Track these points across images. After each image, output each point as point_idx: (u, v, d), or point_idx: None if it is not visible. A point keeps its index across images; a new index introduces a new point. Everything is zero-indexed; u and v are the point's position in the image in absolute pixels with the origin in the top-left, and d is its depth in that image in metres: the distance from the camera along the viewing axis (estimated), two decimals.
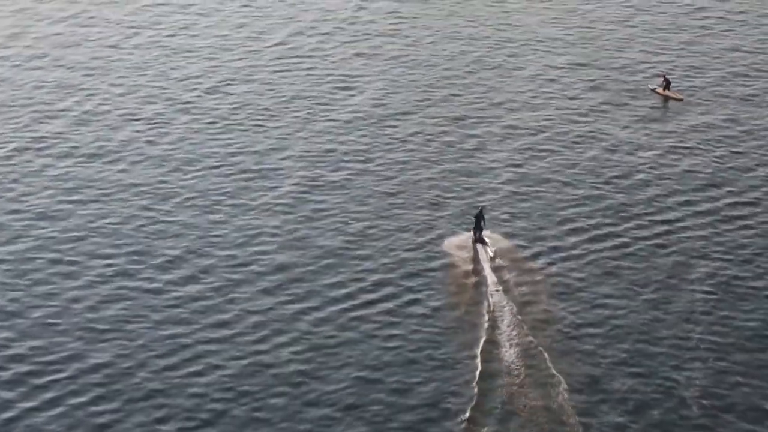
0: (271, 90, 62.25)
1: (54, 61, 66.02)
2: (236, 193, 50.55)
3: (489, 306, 41.87)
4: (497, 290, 42.87)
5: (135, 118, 58.47)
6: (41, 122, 57.78)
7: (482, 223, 46.15)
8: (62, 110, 59.28)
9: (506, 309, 41.63)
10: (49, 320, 40.85)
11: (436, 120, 58.67)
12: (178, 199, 49.84)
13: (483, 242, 46.20)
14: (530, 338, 39.84)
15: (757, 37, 72.02)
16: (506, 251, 46.04)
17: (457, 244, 46.52)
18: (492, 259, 45.28)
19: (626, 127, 58.23)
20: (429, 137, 56.59)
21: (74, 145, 55.14)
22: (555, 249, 46.11)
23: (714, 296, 42.93)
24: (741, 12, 76.60)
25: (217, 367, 38.36)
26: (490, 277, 43.91)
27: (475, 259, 45.47)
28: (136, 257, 45.07)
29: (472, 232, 46.44)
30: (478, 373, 37.92)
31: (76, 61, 66.06)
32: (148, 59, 66.67)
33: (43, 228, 47.27)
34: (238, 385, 37.47)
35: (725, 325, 41.14)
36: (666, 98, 61.95)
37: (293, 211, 48.96)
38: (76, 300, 42.09)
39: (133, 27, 72.09)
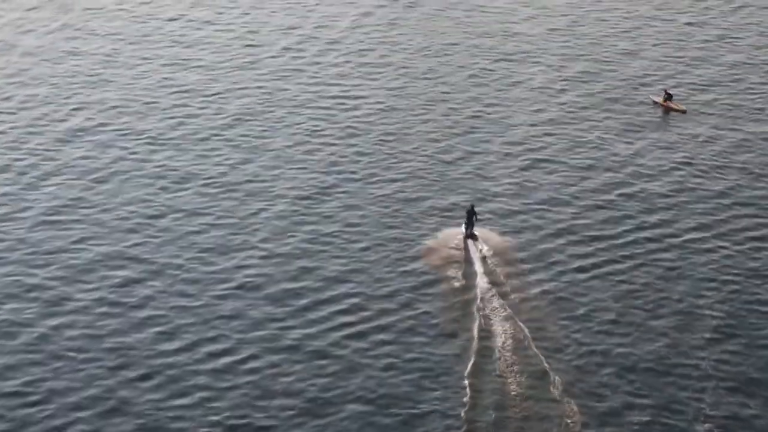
0: (264, 104, 60.73)
1: (40, 75, 64.24)
2: (228, 211, 48.93)
3: (480, 321, 40.63)
4: (489, 295, 42.18)
5: (124, 134, 56.63)
6: (25, 139, 55.87)
7: (474, 219, 46.11)
8: (47, 126, 57.41)
9: (498, 316, 40.70)
10: (29, 348, 39.12)
11: (436, 134, 57.36)
12: (167, 219, 48.12)
13: (474, 238, 45.91)
14: (521, 357, 38.55)
15: (763, 50, 71.11)
16: (497, 248, 45.75)
17: (447, 240, 46.33)
18: (483, 256, 45.01)
19: (629, 140, 57.12)
20: (428, 151, 55.25)
21: (59, 163, 53.27)
22: (554, 264, 45.06)
23: (725, 320, 41.46)
24: (747, 24, 75.86)
25: (204, 398, 36.69)
26: (481, 278, 43.35)
27: (467, 257, 45.06)
28: (121, 281, 43.36)
29: (463, 228, 46.29)
30: (467, 400, 36.56)
31: (62, 75, 64.31)
32: (138, 73, 65.01)
33: (24, 251, 45.43)
34: (226, 417, 35.85)
35: (738, 352, 39.54)
36: (668, 110, 61.23)
37: (287, 227, 47.71)
38: (55, 327, 40.32)
39: (122, 40, 70.49)
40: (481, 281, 43.35)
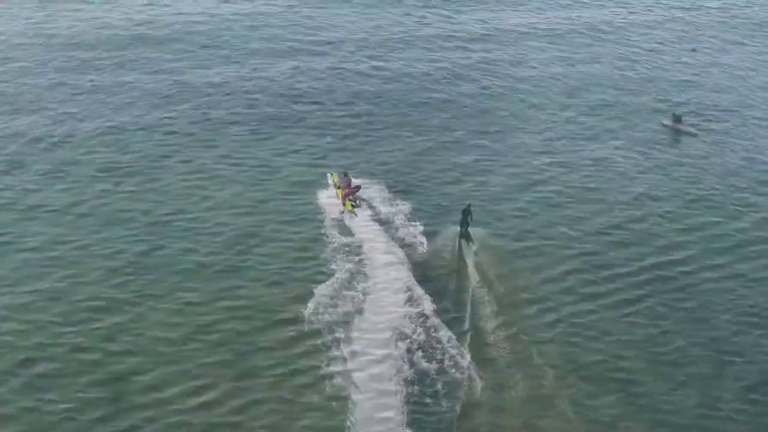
0: (264, 130, 58.36)
1: (16, 112, 60.80)
2: (219, 247, 46.21)
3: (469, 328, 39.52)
4: (481, 298, 41.27)
5: (104, 171, 53.11)
6: (3, 171, 52.73)
7: (469, 218, 45.99)
8: (22, 164, 53.71)
9: (497, 356, 38.78)
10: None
11: (442, 159, 55.15)
12: (150, 257, 45.33)
13: (468, 237, 45.70)
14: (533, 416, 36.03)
15: None
16: (492, 248, 45.36)
17: (442, 239, 45.82)
18: (476, 256, 44.45)
19: (638, 164, 55.52)
20: (436, 181, 52.78)
21: (36, 202, 49.83)
22: (560, 293, 43.02)
23: (755, 366, 38.97)
24: (765, 50, 75.52)
25: None
26: (474, 278, 42.79)
27: (460, 257, 44.62)
28: (102, 326, 40.44)
29: (458, 228, 46.08)
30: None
31: (39, 107, 61.38)
32: (124, 101, 62.23)
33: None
34: None
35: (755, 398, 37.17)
36: (678, 131, 59.85)
37: (283, 250, 45.59)
38: (31, 377, 37.49)
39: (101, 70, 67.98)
40: (470, 263, 42.88)
